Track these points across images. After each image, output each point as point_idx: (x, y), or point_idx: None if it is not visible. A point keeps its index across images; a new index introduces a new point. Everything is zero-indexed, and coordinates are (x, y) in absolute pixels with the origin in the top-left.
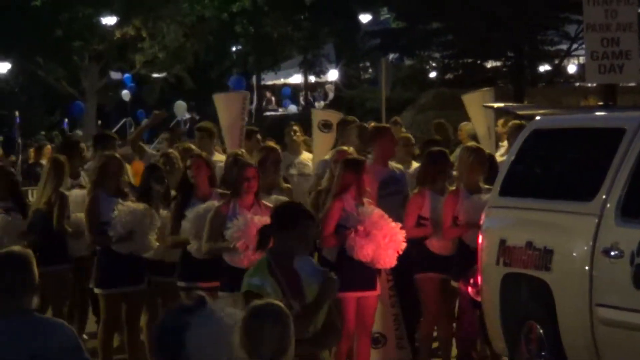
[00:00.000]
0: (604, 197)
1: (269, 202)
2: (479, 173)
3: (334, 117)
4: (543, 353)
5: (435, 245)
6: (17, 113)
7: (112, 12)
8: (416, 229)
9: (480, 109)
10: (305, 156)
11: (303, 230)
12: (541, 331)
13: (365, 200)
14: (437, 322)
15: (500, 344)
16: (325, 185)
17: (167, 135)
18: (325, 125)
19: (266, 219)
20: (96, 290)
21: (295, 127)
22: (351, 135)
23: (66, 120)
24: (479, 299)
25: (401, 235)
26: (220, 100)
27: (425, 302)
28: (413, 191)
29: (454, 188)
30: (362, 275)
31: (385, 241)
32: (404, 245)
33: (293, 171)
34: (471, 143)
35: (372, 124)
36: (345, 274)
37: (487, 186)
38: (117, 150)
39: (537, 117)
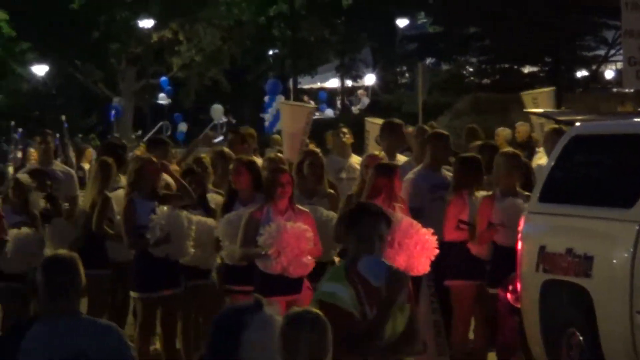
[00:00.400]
0: None
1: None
2: (515, 178)
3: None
4: None
5: (473, 249)
6: (64, 117)
7: (149, 15)
8: (457, 232)
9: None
10: (355, 159)
11: (365, 229)
12: (581, 338)
13: (396, 205)
14: (469, 329)
15: (539, 351)
16: (355, 190)
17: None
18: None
19: (300, 225)
20: (133, 294)
21: (344, 129)
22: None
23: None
24: (518, 305)
25: (433, 241)
26: (286, 109)
27: (458, 309)
28: (450, 195)
29: (490, 193)
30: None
31: (417, 249)
32: (436, 251)
33: (343, 175)
34: (508, 148)
35: (410, 128)
36: None
37: (524, 192)
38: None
39: (577, 123)
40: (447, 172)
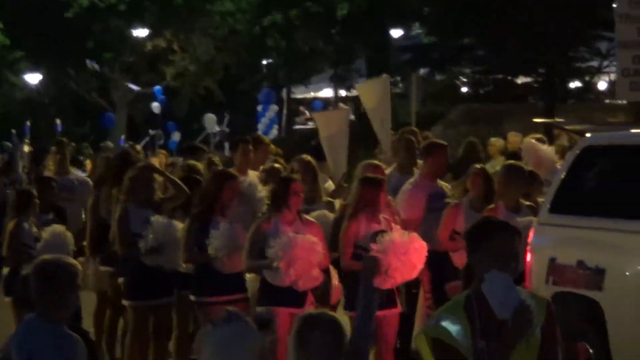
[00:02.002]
0: None
1: (311, 217)
2: (517, 190)
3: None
4: None
5: (458, 260)
6: (58, 121)
7: (143, 24)
8: (449, 243)
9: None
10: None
11: (500, 244)
12: (592, 351)
13: (381, 217)
14: None
15: None
16: (349, 200)
17: None
18: None
19: (310, 237)
20: (125, 302)
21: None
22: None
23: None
24: None
25: (419, 247)
26: (321, 119)
27: None
28: (448, 205)
29: (493, 206)
30: (384, 293)
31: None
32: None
33: None
34: (510, 161)
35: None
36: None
37: (527, 203)
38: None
39: (588, 134)
40: (443, 183)
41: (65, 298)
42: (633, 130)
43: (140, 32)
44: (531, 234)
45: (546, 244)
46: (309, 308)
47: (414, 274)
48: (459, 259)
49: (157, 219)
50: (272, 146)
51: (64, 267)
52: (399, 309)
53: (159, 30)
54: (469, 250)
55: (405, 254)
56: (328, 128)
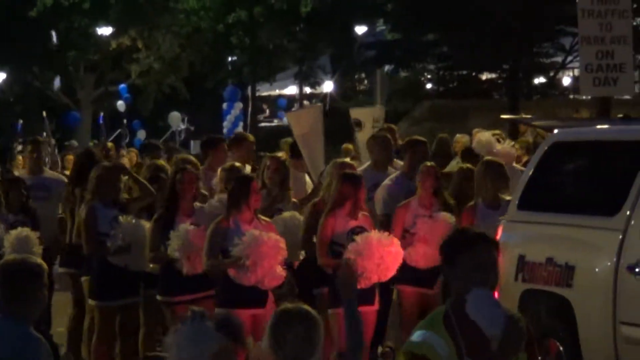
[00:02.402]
0: (628, 212)
1: (280, 220)
2: (496, 186)
3: (365, 114)
4: None
5: (409, 257)
6: (20, 121)
7: (108, 23)
8: (403, 241)
9: (308, 126)
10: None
11: (480, 255)
12: (561, 349)
13: (361, 214)
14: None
15: None
16: (322, 196)
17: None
18: (356, 124)
19: (275, 235)
20: (91, 302)
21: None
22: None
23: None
24: None
25: (395, 251)
26: (293, 118)
27: (403, 314)
28: (398, 205)
29: (472, 203)
30: (362, 291)
31: (381, 269)
32: (399, 260)
33: None
34: (489, 157)
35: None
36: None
37: (506, 198)
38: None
39: (556, 130)
40: None
41: (30, 298)
42: (600, 126)
43: (105, 31)
44: (500, 231)
45: (515, 241)
46: (271, 307)
47: (388, 275)
48: (408, 257)
49: (125, 219)
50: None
51: (28, 267)
52: (375, 306)
53: (123, 29)
54: (444, 264)
55: (382, 258)
56: (301, 127)
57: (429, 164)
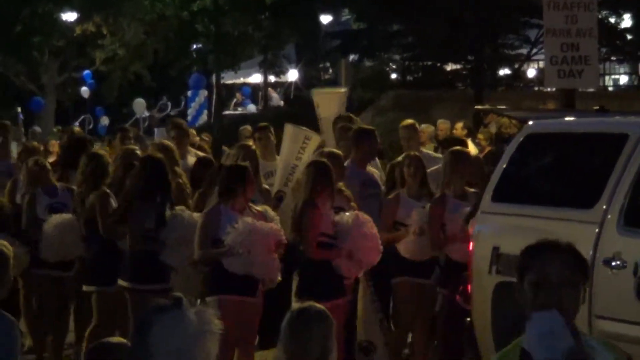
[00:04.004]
0: (604, 205)
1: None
2: (464, 177)
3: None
4: None
5: (403, 249)
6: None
7: (72, 8)
8: (391, 234)
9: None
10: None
11: (529, 278)
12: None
13: (344, 201)
14: (411, 328)
15: (490, 355)
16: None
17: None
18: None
19: (269, 224)
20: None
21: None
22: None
23: (19, 109)
24: (469, 307)
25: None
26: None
27: (398, 306)
28: (388, 196)
29: (438, 195)
30: (334, 283)
31: (366, 254)
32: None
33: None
34: (456, 147)
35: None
36: (319, 282)
37: (472, 190)
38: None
39: (531, 121)
40: (373, 169)
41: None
42: (576, 118)
43: (69, 16)
44: (474, 223)
45: (489, 232)
46: (261, 297)
47: (376, 258)
48: (405, 249)
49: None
50: (249, 128)
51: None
52: (348, 297)
53: (88, 15)
54: (517, 279)
55: (371, 232)
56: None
57: (413, 153)
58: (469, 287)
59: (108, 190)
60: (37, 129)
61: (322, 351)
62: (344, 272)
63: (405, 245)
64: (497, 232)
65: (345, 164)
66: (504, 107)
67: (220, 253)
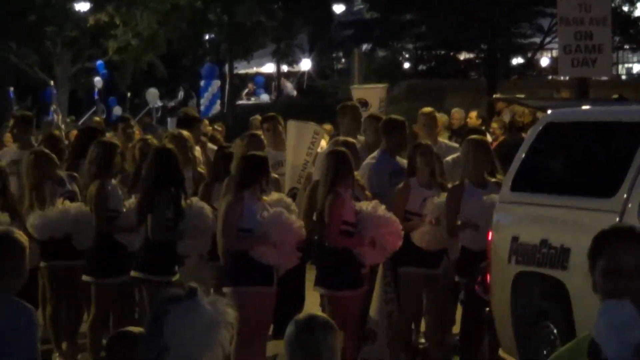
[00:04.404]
0: (625, 194)
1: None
2: (483, 166)
3: (371, 94)
4: None
5: (418, 239)
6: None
7: None
8: (406, 224)
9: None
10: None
11: (601, 265)
12: (555, 331)
13: (359, 190)
14: (416, 317)
15: (509, 345)
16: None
17: None
18: (362, 104)
19: (291, 215)
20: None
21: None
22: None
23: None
24: (487, 297)
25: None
26: (291, 128)
27: (405, 295)
28: (398, 185)
29: (457, 183)
30: (354, 272)
31: (389, 240)
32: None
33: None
34: (474, 136)
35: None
36: (340, 272)
37: (493, 179)
38: None
39: (549, 110)
40: (402, 160)
41: (15, 270)
42: (596, 107)
43: (82, 6)
44: (493, 213)
45: (508, 222)
46: (274, 287)
47: (398, 243)
48: (420, 238)
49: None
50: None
51: (12, 239)
52: (365, 287)
53: (101, 5)
54: (590, 267)
55: (392, 218)
56: (296, 140)
57: (424, 142)
58: (488, 277)
59: (114, 181)
60: (54, 117)
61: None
62: (366, 260)
63: (420, 235)
64: (516, 221)
65: (375, 153)
66: (522, 95)
67: (254, 242)
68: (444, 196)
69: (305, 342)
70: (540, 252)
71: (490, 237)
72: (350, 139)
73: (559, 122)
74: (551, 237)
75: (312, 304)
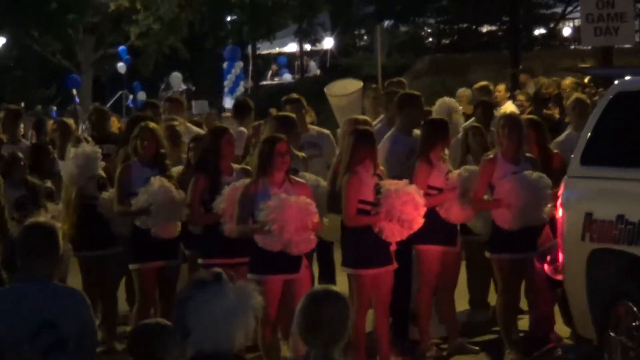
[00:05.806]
0: None
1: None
2: (517, 141)
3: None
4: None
5: (444, 212)
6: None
7: None
8: (427, 198)
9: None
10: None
11: None
12: (635, 309)
13: (378, 170)
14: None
15: (585, 325)
16: (340, 158)
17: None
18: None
19: (303, 199)
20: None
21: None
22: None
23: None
24: (559, 277)
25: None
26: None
27: (424, 273)
28: (417, 160)
29: (491, 156)
30: (379, 250)
31: (407, 214)
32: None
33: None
34: (509, 110)
35: (374, 86)
36: (363, 250)
37: (528, 155)
38: None
39: (617, 80)
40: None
41: (54, 258)
42: None
43: None
44: (561, 188)
45: (580, 198)
46: (305, 272)
47: (417, 215)
48: (447, 211)
49: (154, 180)
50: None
51: (48, 228)
52: (394, 265)
53: None
54: None
55: (411, 193)
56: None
57: (440, 118)
58: (559, 256)
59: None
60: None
61: (332, 333)
62: (387, 236)
63: (446, 208)
64: (589, 197)
65: (390, 133)
66: (588, 65)
67: (254, 230)
68: (471, 169)
69: (308, 313)
70: (617, 228)
71: (559, 215)
72: (366, 118)
73: (630, 91)
74: (628, 212)
75: (343, 282)
